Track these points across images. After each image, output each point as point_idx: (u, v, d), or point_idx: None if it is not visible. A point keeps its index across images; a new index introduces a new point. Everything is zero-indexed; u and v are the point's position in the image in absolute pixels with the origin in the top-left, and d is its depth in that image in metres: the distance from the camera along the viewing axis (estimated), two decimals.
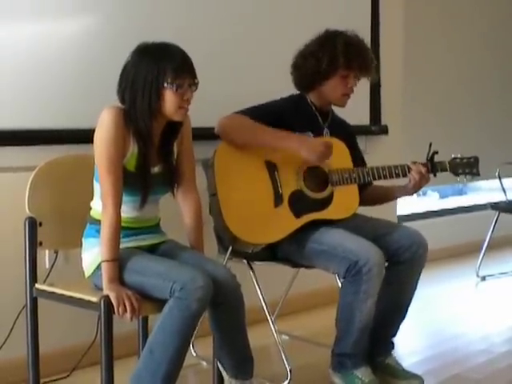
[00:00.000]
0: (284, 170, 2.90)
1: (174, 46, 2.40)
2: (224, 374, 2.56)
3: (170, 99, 2.35)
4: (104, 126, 2.35)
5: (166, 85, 2.33)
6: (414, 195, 3.04)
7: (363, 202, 3.01)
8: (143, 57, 2.36)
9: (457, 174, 3.01)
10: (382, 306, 2.83)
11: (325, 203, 2.91)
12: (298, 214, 2.86)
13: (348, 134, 3.11)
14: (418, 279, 2.94)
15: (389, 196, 3.13)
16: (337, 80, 2.94)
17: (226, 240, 2.88)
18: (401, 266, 2.87)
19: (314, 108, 3.03)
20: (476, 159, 3.02)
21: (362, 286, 2.70)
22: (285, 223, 2.85)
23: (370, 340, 2.85)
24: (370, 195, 3.09)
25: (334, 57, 2.89)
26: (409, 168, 2.93)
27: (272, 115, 2.90)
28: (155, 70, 2.33)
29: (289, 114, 2.95)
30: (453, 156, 3.01)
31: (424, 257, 2.90)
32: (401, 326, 3.01)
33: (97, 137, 2.37)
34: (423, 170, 2.92)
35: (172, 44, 2.40)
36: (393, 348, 3.02)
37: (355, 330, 2.77)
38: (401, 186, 3.04)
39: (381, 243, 2.78)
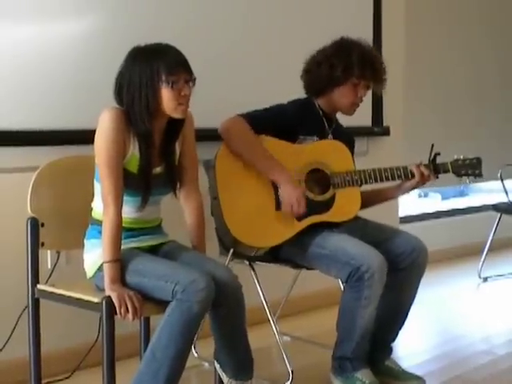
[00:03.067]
0: None
1: (166, 44, 2.40)
2: (223, 375, 2.55)
3: (167, 97, 2.35)
4: (104, 126, 2.35)
5: (161, 83, 2.33)
6: (416, 196, 3.02)
7: None
8: (136, 60, 2.37)
9: (459, 176, 2.99)
10: (381, 311, 2.83)
11: (326, 206, 2.90)
12: (299, 217, 2.86)
13: (348, 141, 3.09)
14: (417, 286, 2.94)
15: (380, 198, 3.10)
16: (348, 88, 2.93)
17: (228, 243, 2.89)
18: (401, 272, 2.87)
19: (321, 112, 3.03)
20: (478, 160, 2.99)
21: (363, 292, 2.70)
22: (286, 226, 2.85)
23: (369, 345, 2.85)
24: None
25: (349, 65, 2.89)
26: (411, 170, 2.93)
27: (277, 119, 2.90)
28: (148, 70, 2.33)
29: (294, 118, 2.94)
30: (455, 157, 2.99)
31: (424, 263, 2.90)
32: (400, 332, 3.01)
33: (97, 137, 2.37)
34: (426, 172, 2.92)
35: (164, 43, 2.40)
36: (391, 353, 3.02)
37: (356, 335, 2.77)
38: (393, 187, 3.02)
39: (381, 249, 2.77)
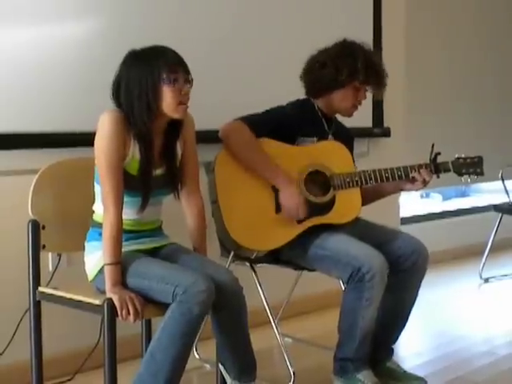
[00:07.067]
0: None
1: (163, 46, 2.40)
2: (226, 376, 2.56)
3: (168, 95, 2.34)
4: (103, 129, 2.35)
5: (162, 81, 2.33)
6: (417, 197, 3.03)
7: None
8: (134, 61, 2.37)
9: (461, 174, 2.98)
10: (382, 313, 2.83)
11: (327, 207, 2.90)
12: (299, 219, 2.86)
13: (348, 141, 3.09)
14: (418, 287, 2.94)
15: (378, 194, 3.10)
16: (348, 91, 2.94)
17: (228, 246, 2.89)
18: (401, 274, 2.87)
19: (320, 113, 3.03)
20: (480, 158, 2.99)
21: (364, 293, 2.70)
22: (286, 229, 2.84)
23: (371, 346, 2.85)
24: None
25: (354, 70, 2.90)
26: (411, 169, 2.93)
27: (276, 122, 2.90)
28: (149, 69, 2.33)
29: (294, 120, 2.94)
30: (456, 156, 2.98)
31: (424, 266, 2.90)
32: (401, 333, 3.01)
33: (97, 140, 2.37)
34: (428, 178, 2.92)
35: (160, 45, 2.41)
36: (392, 354, 3.01)
37: (357, 336, 2.77)
38: (392, 183, 3.00)
39: (382, 250, 2.77)
